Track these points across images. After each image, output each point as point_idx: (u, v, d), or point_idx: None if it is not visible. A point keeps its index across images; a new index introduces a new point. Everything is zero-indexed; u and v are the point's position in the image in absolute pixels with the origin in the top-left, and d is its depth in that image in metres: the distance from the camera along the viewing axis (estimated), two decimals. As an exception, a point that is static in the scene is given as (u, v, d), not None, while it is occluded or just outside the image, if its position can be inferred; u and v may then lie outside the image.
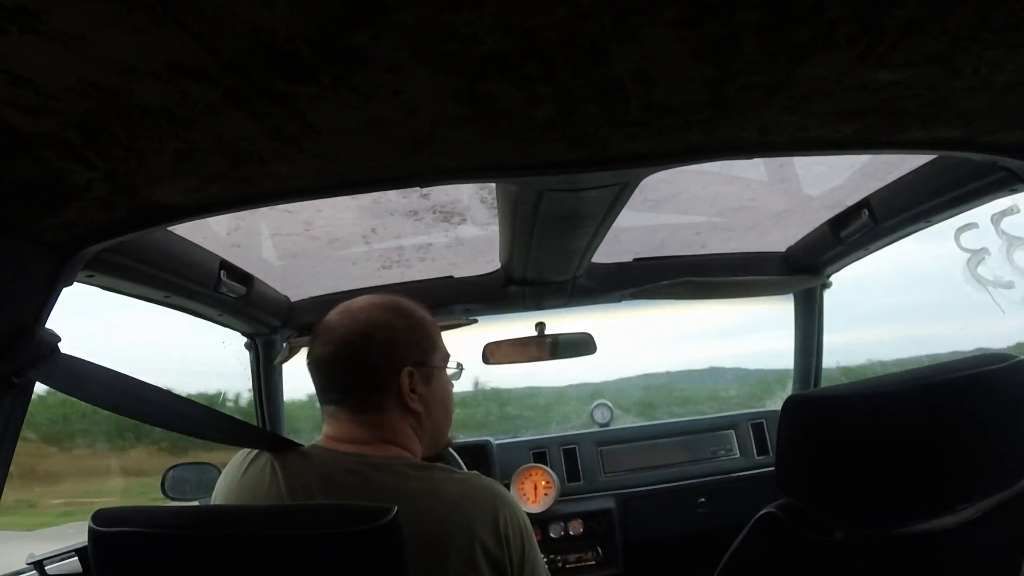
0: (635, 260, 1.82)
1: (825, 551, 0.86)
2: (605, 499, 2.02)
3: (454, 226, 1.56)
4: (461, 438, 2.18)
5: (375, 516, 0.71)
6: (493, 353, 2.08)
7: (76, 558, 1.20)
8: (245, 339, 1.88)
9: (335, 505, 0.79)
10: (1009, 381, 0.84)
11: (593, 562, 1.97)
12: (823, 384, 2.08)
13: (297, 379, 1.99)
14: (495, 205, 1.32)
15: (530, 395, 3.49)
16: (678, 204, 1.58)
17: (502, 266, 1.66)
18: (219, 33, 0.51)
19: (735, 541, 0.93)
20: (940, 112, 0.79)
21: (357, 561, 0.71)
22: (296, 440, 0.96)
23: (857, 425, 0.81)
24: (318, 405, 0.98)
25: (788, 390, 2.18)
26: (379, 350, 0.93)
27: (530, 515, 1.90)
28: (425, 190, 1.29)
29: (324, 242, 1.58)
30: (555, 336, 2.07)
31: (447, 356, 1.02)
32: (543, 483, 2.00)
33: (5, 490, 0.87)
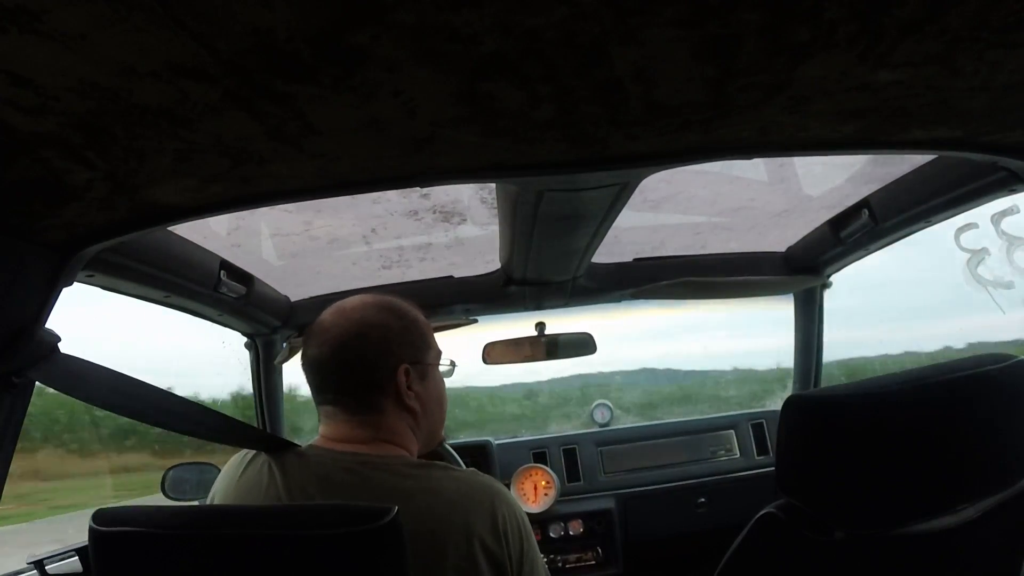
0: (635, 260, 1.82)
1: (825, 551, 0.86)
2: (605, 499, 2.02)
3: (454, 226, 1.56)
4: (462, 438, 2.19)
5: (376, 516, 0.71)
6: (493, 353, 2.08)
7: (76, 558, 1.20)
8: (245, 339, 1.88)
9: (335, 505, 0.79)
10: (1009, 381, 0.84)
11: (593, 562, 1.97)
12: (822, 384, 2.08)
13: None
14: (495, 205, 1.32)
15: (466, 396, 3.49)
16: (678, 204, 1.58)
17: (502, 266, 1.66)
18: (219, 33, 0.51)
19: (735, 541, 0.93)
20: (940, 112, 0.79)
21: (357, 561, 0.71)
22: (297, 439, 0.96)
23: (857, 425, 0.81)
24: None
25: (789, 390, 2.18)
26: (375, 349, 0.93)
27: (530, 515, 1.90)
28: (425, 190, 1.29)
29: (324, 242, 1.58)
30: (555, 336, 2.07)
31: (440, 354, 1.03)
32: (543, 483, 2.00)
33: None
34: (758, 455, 2.08)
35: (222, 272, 1.38)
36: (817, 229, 1.68)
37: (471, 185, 1.32)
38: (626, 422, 2.42)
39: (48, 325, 0.89)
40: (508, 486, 1.98)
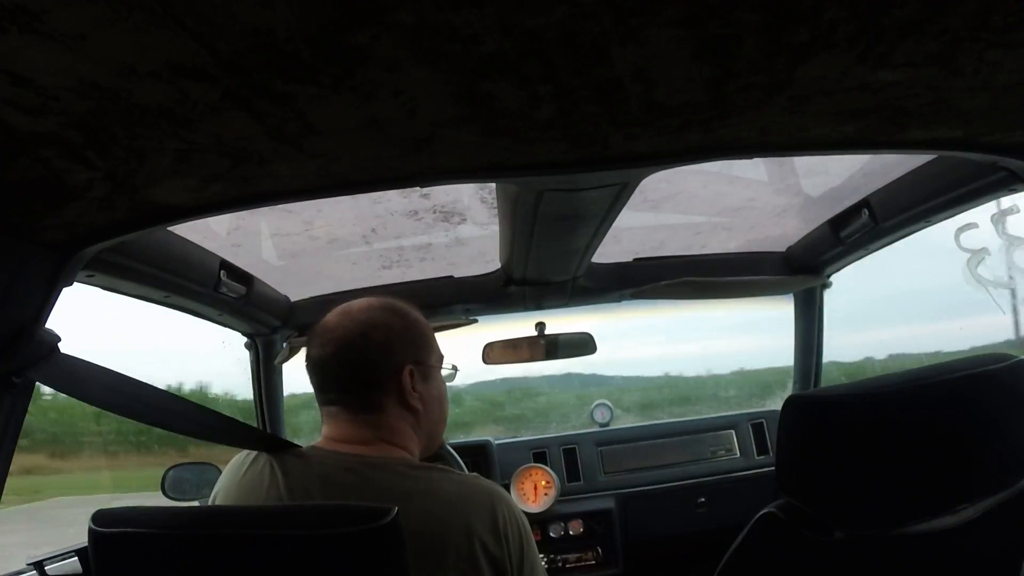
0: (635, 260, 1.82)
1: (825, 551, 0.86)
2: (605, 499, 2.02)
3: (454, 226, 1.56)
4: (462, 438, 2.19)
5: (376, 516, 0.71)
6: (493, 353, 2.08)
7: (76, 558, 1.19)
8: (245, 339, 1.88)
9: (336, 505, 0.79)
10: (1009, 381, 0.84)
11: (593, 562, 1.97)
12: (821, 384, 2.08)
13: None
14: (495, 205, 1.32)
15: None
16: (678, 204, 1.58)
17: (502, 266, 1.66)
18: (219, 33, 0.51)
19: (735, 541, 0.93)
20: (940, 112, 0.79)
21: (358, 561, 0.71)
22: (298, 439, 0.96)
23: (857, 425, 0.81)
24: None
25: (789, 390, 2.18)
26: (378, 349, 0.94)
27: (530, 515, 1.91)
28: (425, 190, 1.29)
29: (324, 242, 1.58)
30: (555, 336, 2.07)
31: (442, 357, 1.04)
32: (543, 483, 2.00)
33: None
34: (758, 455, 2.08)
35: (222, 272, 1.38)
36: (817, 229, 1.68)
37: (471, 185, 1.32)
38: (626, 422, 2.41)
39: (48, 325, 0.89)
40: (508, 486, 1.98)
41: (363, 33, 0.53)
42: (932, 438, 0.81)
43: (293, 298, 1.82)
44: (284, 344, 1.90)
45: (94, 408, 0.95)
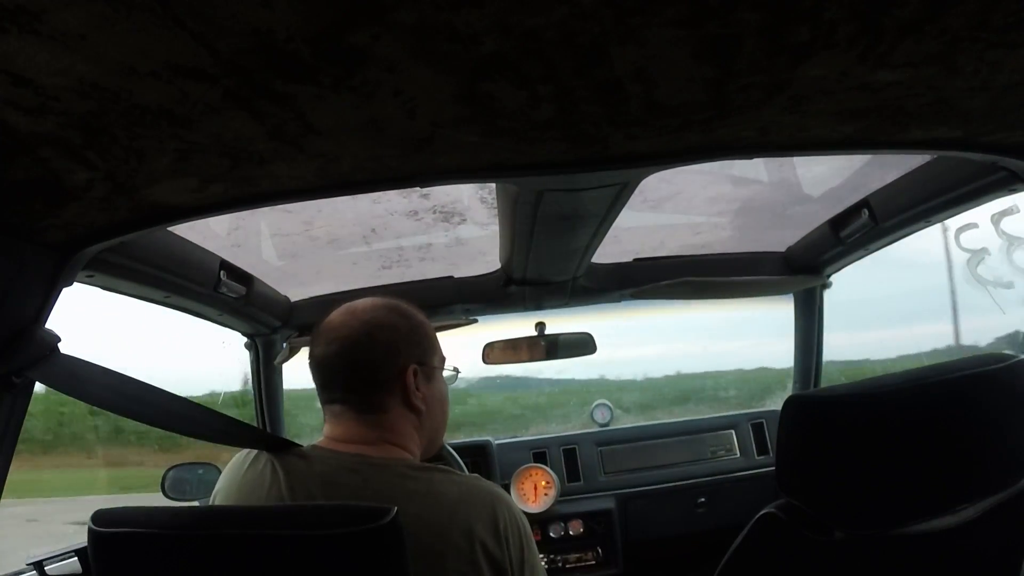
0: (635, 260, 1.82)
1: (825, 551, 0.86)
2: (605, 499, 2.02)
3: (454, 226, 1.56)
4: (462, 438, 2.19)
5: (376, 516, 0.71)
6: (492, 353, 2.08)
7: (76, 558, 1.19)
8: (245, 339, 1.88)
9: (336, 505, 0.79)
10: (1009, 381, 0.84)
11: (593, 562, 1.97)
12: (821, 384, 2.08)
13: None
14: (495, 205, 1.32)
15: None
16: (678, 204, 1.58)
17: (502, 266, 1.66)
18: (219, 33, 0.51)
19: (735, 541, 0.93)
20: (940, 112, 0.79)
21: (358, 561, 0.71)
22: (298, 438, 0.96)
23: (857, 425, 0.81)
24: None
25: (789, 392, 2.18)
26: (384, 349, 0.94)
27: (530, 515, 1.91)
28: (425, 190, 1.29)
29: (324, 242, 1.58)
30: (555, 336, 2.07)
31: (444, 358, 1.04)
32: (543, 483, 2.00)
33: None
34: (758, 455, 2.08)
35: (222, 272, 1.38)
36: (817, 229, 1.68)
37: (471, 185, 1.33)
38: (626, 422, 2.41)
39: (48, 325, 0.89)
40: (508, 486, 1.98)
41: (363, 33, 0.53)
42: (932, 438, 0.81)
43: (293, 298, 1.82)
44: (284, 344, 1.90)
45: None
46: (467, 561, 0.82)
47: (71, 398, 0.91)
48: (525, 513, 0.97)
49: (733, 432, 2.11)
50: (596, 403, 2.33)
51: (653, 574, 2.09)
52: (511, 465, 2.03)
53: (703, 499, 2.02)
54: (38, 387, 0.91)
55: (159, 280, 1.21)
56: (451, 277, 1.83)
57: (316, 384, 0.97)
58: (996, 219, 1.24)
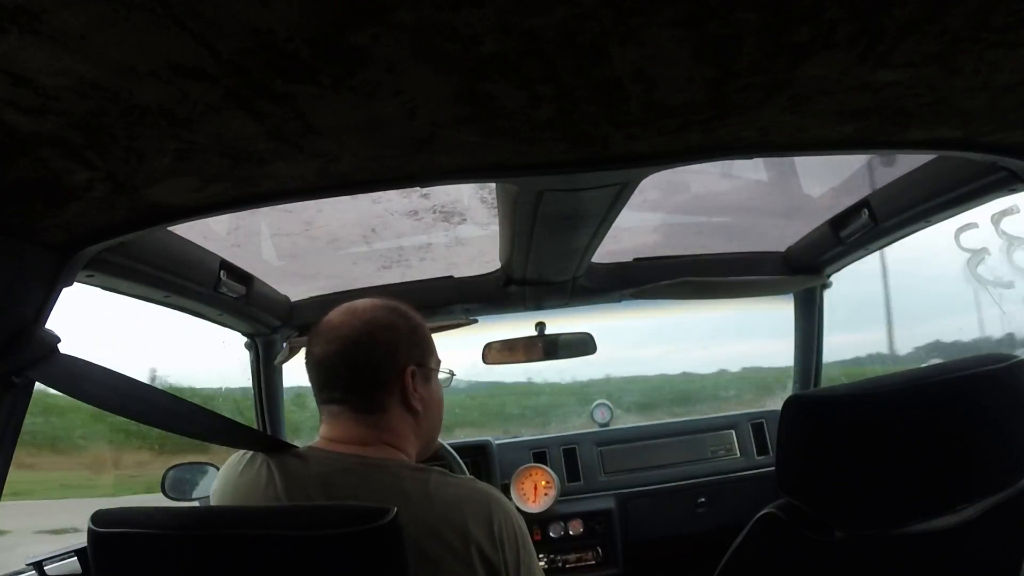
0: (635, 260, 1.82)
1: (825, 551, 0.86)
2: (605, 499, 2.02)
3: (454, 226, 1.56)
4: (463, 438, 2.18)
5: (375, 516, 0.71)
6: (492, 353, 2.08)
7: (75, 559, 1.19)
8: (245, 339, 1.88)
9: (335, 505, 0.79)
10: (1009, 381, 0.84)
11: (593, 562, 1.97)
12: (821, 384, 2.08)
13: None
14: (495, 205, 1.32)
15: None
16: (678, 204, 1.58)
17: (502, 266, 1.66)
18: (219, 33, 0.51)
19: (735, 541, 0.93)
20: (940, 112, 0.79)
21: (357, 561, 0.71)
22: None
23: (857, 425, 0.81)
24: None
25: (788, 390, 2.18)
26: (384, 349, 0.94)
27: (530, 515, 1.91)
28: (425, 190, 1.29)
29: (324, 242, 1.58)
30: (555, 336, 2.07)
31: (439, 361, 1.04)
32: (543, 483, 2.00)
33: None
34: (758, 455, 2.08)
35: (222, 272, 1.38)
36: (817, 229, 1.68)
37: (471, 185, 1.33)
38: (626, 422, 2.41)
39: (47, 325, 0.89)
40: (508, 486, 1.99)
41: (363, 33, 0.53)
42: (932, 438, 0.81)
43: (293, 298, 1.82)
44: (284, 344, 1.90)
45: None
46: (463, 563, 0.82)
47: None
48: (525, 513, 0.97)
49: (733, 432, 2.11)
50: (596, 403, 2.33)
51: (653, 574, 2.09)
52: (511, 465, 2.03)
53: (703, 499, 2.02)
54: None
55: (159, 280, 1.21)
56: (451, 277, 1.83)
57: (313, 384, 0.97)
58: (996, 219, 1.24)
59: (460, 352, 2.14)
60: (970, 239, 1.32)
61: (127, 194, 0.80)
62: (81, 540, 1.04)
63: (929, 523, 0.84)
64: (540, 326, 2.06)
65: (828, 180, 1.49)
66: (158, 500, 1.70)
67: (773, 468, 0.92)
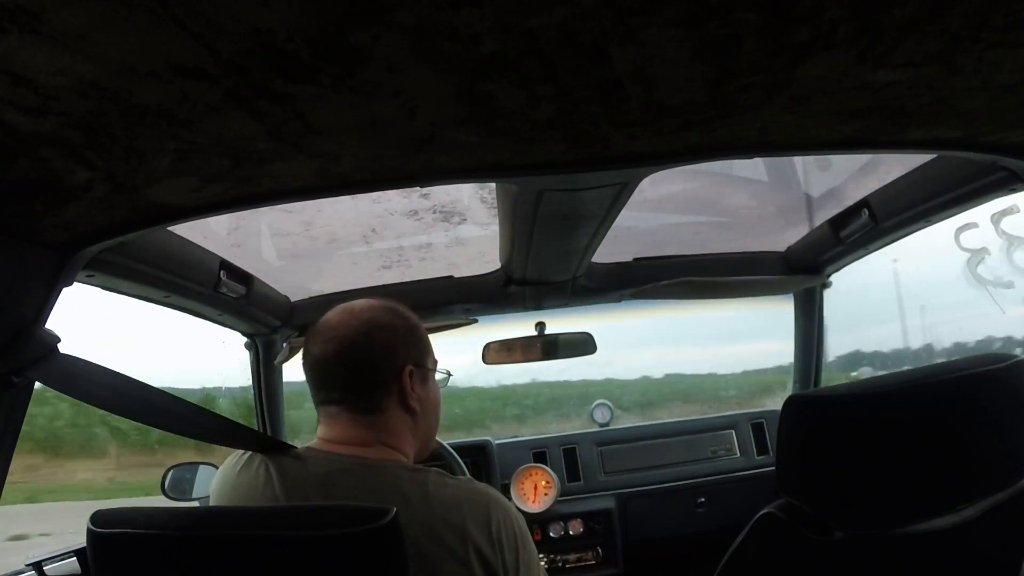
0: (635, 260, 1.82)
1: (825, 551, 0.86)
2: (605, 499, 2.02)
3: (454, 226, 1.56)
4: (463, 438, 2.19)
5: (375, 516, 0.71)
6: (492, 353, 2.08)
7: (75, 559, 1.19)
8: (245, 339, 1.88)
9: (335, 506, 0.79)
10: (1009, 381, 0.84)
11: (593, 562, 1.97)
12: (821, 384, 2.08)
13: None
14: (495, 205, 1.32)
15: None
16: (678, 204, 1.58)
17: (502, 266, 1.66)
18: (219, 33, 0.51)
19: (735, 541, 0.93)
20: (940, 112, 0.79)
21: (357, 562, 0.71)
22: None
23: (857, 425, 0.81)
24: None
25: (788, 390, 2.18)
26: (382, 349, 0.94)
27: (530, 515, 1.91)
28: (425, 190, 1.29)
29: (324, 242, 1.59)
30: (555, 336, 2.07)
31: (436, 361, 1.04)
32: (543, 483, 2.00)
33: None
34: (758, 455, 2.08)
35: (222, 272, 1.38)
36: (817, 229, 1.68)
37: (471, 185, 1.33)
38: (626, 422, 2.41)
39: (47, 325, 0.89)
40: (508, 486, 1.99)
41: (363, 33, 0.53)
42: (932, 438, 0.81)
43: (293, 298, 1.82)
44: (284, 344, 1.90)
45: None
46: (461, 563, 0.82)
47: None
48: (525, 513, 0.97)
49: (733, 432, 2.11)
50: (596, 403, 2.33)
51: (653, 574, 2.09)
52: (511, 465, 2.03)
53: (703, 499, 2.02)
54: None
55: (159, 280, 1.21)
56: (451, 277, 1.83)
57: (310, 384, 0.97)
58: (996, 219, 1.24)
59: (460, 352, 2.14)
60: (970, 239, 1.32)
61: (127, 194, 0.80)
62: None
63: (929, 523, 0.84)
64: (540, 326, 2.06)
65: (828, 180, 1.49)
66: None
67: (773, 468, 0.92)
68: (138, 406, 0.91)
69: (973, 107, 0.78)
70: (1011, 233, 1.24)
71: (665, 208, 1.59)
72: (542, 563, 1.56)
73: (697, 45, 0.58)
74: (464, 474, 1.71)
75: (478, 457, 2.04)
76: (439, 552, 0.82)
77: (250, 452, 0.96)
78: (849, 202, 1.51)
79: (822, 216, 1.63)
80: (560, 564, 1.96)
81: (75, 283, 0.94)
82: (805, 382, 2.07)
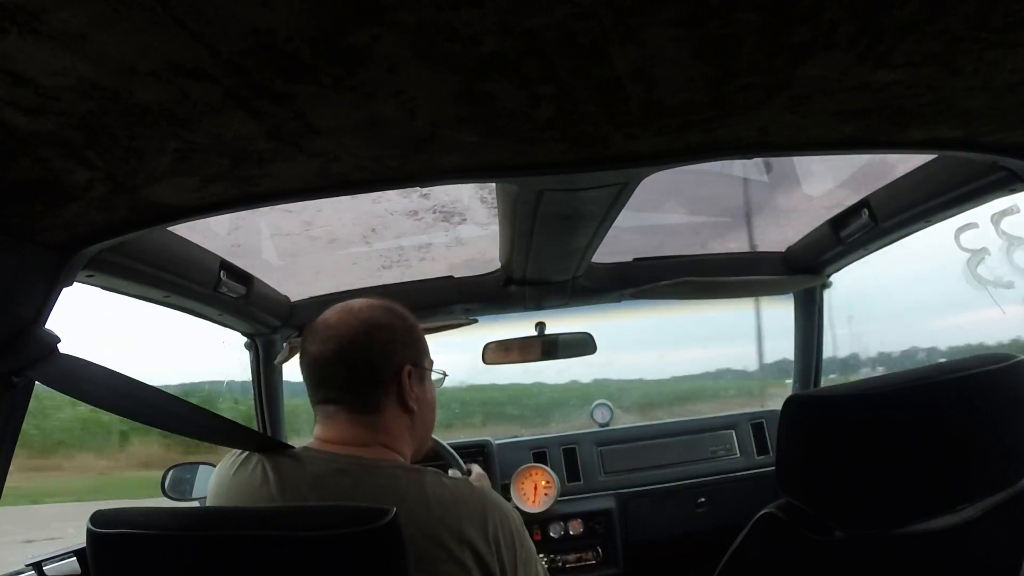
0: (635, 260, 1.82)
1: (825, 551, 0.86)
2: (605, 499, 2.02)
3: (454, 226, 1.56)
4: (463, 438, 2.19)
5: (375, 517, 0.71)
6: (492, 353, 2.08)
7: (75, 559, 1.19)
8: (245, 339, 1.88)
9: (335, 506, 0.79)
10: (1009, 381, 0.84)
11: (593, 562, 1.97)
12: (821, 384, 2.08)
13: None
14: (495, 205, 1.32)
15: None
16: (678, 204, 1.58)
17: (502, 266, 1.66)
18: (219, 33, 0.51)
19: (735, 541, 0.93)
20: (940, 112, 0.79)
21: (357, 562, 0.71)
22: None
23: (857, 425, 0.81)
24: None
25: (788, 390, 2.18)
26: (381, 348, 0.94)
27: (530, 515, 1.91)
28: (425, 190, 1.29)
29: (324, 242, 1.59)
30: (555, 336, 2.07)
31: (432, 361, 1.04)
32: (543, 483, 2.00)
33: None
34: (758, 455, 2.08)
35: (222, 272, 1.38)
36: (817, 229, 1.68)
37: (471, 185, 1.33)
38: (626, 422, 2.41)
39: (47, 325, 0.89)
40: (508, 486, 1.99)
41: (363, 33, 0.53)
42: (932, 438, 0.81)
43: (293, 298, 1.82)
44: (284, 344, 1.90)
45: None
46: (458, 563, 0.82)
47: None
48: (525, 513, 0.97)
49: (733, 432, 2.11)
50: (596, 403, 2.33)
51: (653, 574, 2.09)
52: (511, 465, 2.03)
53: (703, 499, 2.02)
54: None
55: (159, 280, 1.21)
56: (451, 277, 1.83)
57: (308, 383, 0.97)
58: (996, 219, 1.24)
59: (460, 352, 2.15)
60: (970, 239, 1.32)
61: (127, 194, 0.80)
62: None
63: (929, 523, 0.84)
64: (540, 326, 2.06)
65: (828, 180, 1.49)
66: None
67: (773, 468, 0.92)
68: (138, 406, 0.91)
69: (973, 107, 0.78)
70: (1011, 233, 1.24)
71: (665, 208, 1.59)
72: (542, 563, 1.56)
73: (697, 45, 0.58)
74: (462, 469, 1.71)
75: (478, 457, 2.03)
76: (436, 552, 0.82)
77: (247, 452, 0.96)
78: (849, 202, 1.51)
79: (822, 216, 1.63)
80: (560, 564, 1.96)
81: (75, 283, 0.94)
82: (805, 382, 2.07)
